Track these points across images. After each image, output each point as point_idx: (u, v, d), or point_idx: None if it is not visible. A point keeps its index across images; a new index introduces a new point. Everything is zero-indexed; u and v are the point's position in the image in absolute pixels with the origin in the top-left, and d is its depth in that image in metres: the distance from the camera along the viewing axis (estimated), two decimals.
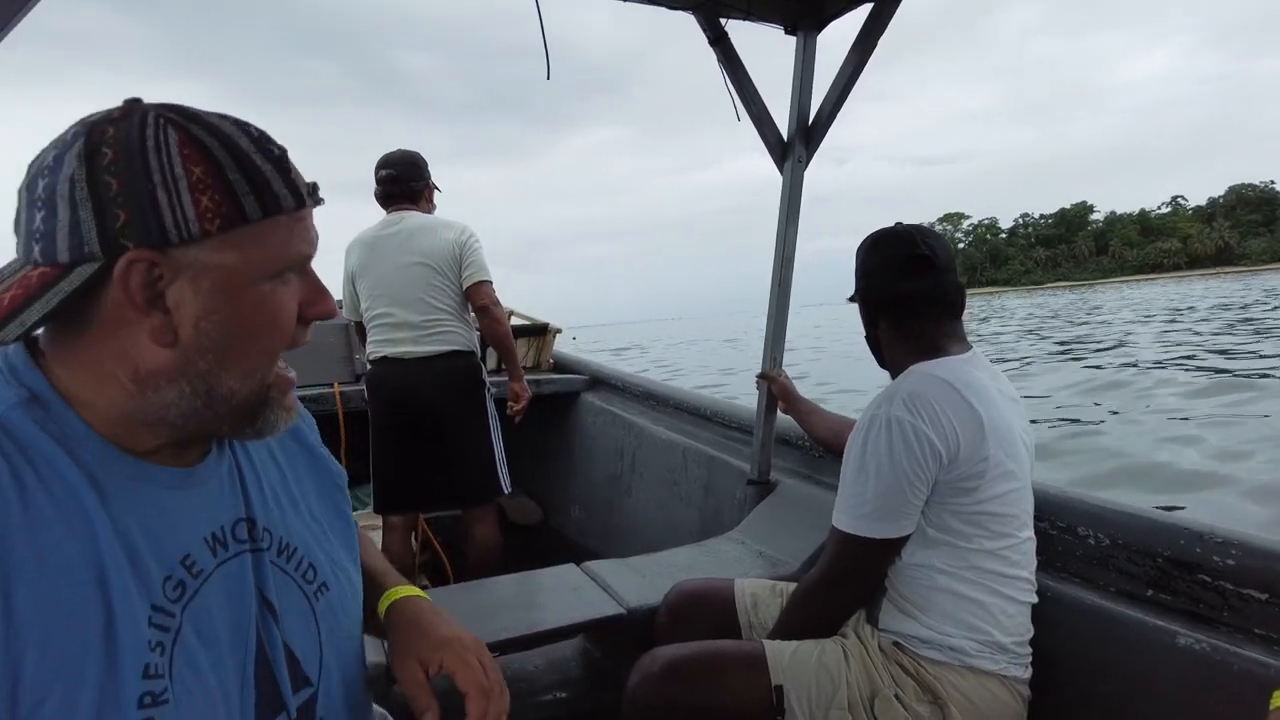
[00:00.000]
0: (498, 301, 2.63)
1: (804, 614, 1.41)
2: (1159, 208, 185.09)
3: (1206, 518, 1.64)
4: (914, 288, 1.41)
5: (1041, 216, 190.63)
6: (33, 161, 0.61)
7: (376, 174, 2.65)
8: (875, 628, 1.37)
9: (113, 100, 0.63)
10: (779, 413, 2.34)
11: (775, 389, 2.28)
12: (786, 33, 2.26)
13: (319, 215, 0.68)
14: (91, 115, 0.61)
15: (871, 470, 1.29)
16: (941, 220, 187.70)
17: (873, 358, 1.55)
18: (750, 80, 2.27)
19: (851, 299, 1.53)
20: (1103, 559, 1.45)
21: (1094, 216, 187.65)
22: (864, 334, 1.54)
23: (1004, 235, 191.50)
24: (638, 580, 1.88)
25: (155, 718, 0.58)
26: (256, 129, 0.64)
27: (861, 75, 2.15)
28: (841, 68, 2.17)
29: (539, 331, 4.23)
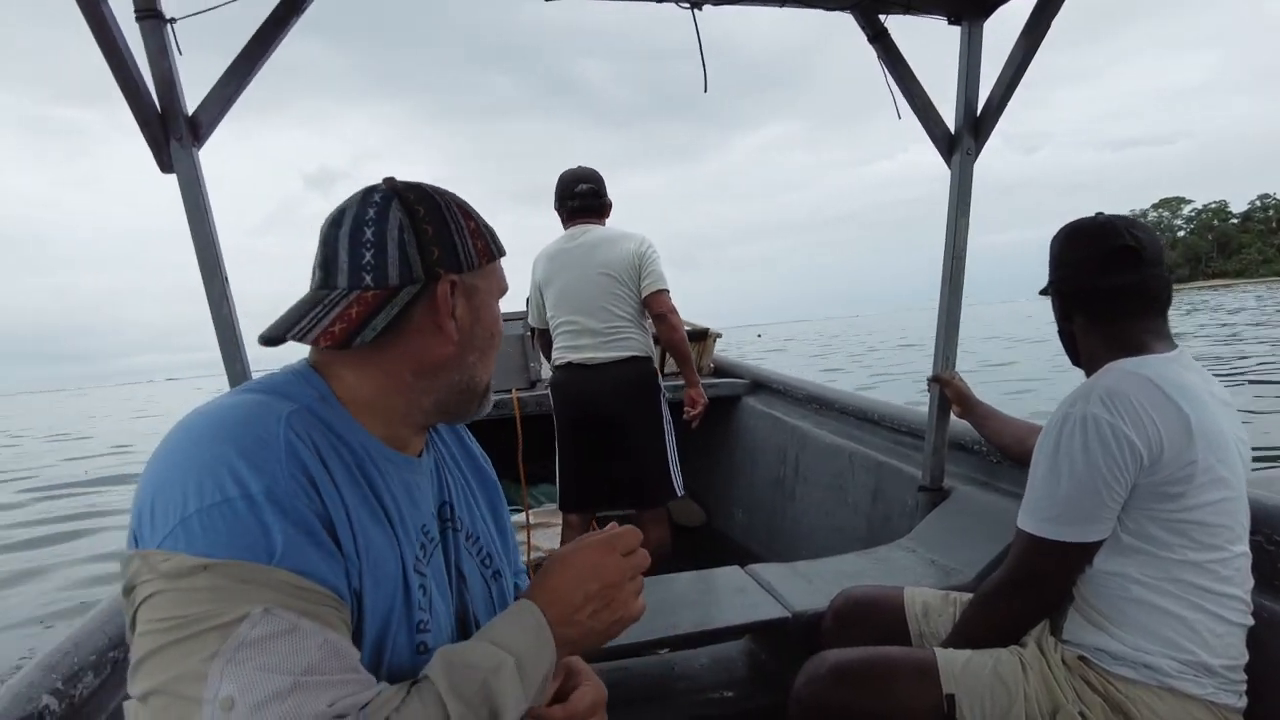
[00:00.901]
0: (675, 309, 2.72)
1: (984, 618, 1.36)
2: None
3: None
4: (1118, 282, 1.32)
5: None
6: (338, 217, 0.79)
7: (571, 188, 2.80)
8: (1059, 639, 1.30)
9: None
10: (952, 417, 2.26)
11: (949, 392, 2.19)
12: (950, 23, 2.19)
13: (500, 226, 0.90)
14: (376, 185, 0.82)
15: (1064, 470, 1.22)
16: (1156, 207, 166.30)
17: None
18: (913, 75, 2.21)
19: (1044, 292, 1.46)
20: None
21: None
22: (1058, 329, 1.46)
23: (1236, 220, 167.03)
24: (804, 585, 1.88)
25: (425, 642, 0.76)
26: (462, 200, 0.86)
27: (1036, 59, 2.04)
28: (1010, 55, 2.07)
29: (699, 336, 4.29)
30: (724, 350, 4.51)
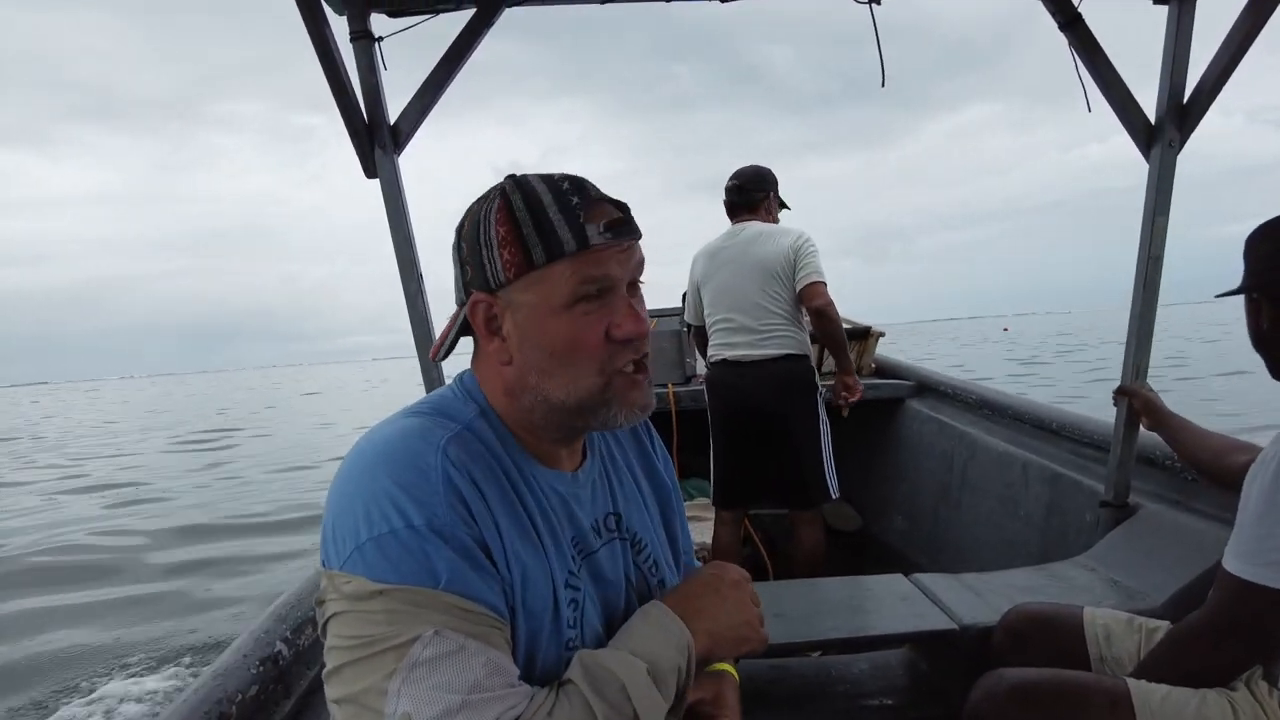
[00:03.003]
0: (831, 301, 2.68)
1: (1181, 660, 1.25)
2: None
3: None
4: None
5: None
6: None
7: (725, 188, 2.86)
8: (1275, 686, 1.18)
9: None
10: (1142, 429, 2.09)
11: (1137, 404, 2.03)
12: (1155, 2, 2.02)
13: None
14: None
15: None
16: None
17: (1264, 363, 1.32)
18: (1109, 63, 2.05)
19: (1233, 293, 1.31)
20: None
21: None
22: (1256, 338, 1.32)
23: None
24: (971, 597, 1.81)
25: (570, 659, 0.76)
26: (570, 181, 0.78)
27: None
28: (1230, 34, 1.88)
29: (861, 335, 4.18)
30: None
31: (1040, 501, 2.57)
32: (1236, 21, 1.86)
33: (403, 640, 0.66)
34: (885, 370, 4.12)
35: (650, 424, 1.05)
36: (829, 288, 2.66)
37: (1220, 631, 1.20)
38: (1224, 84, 1.94)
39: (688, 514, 3.35)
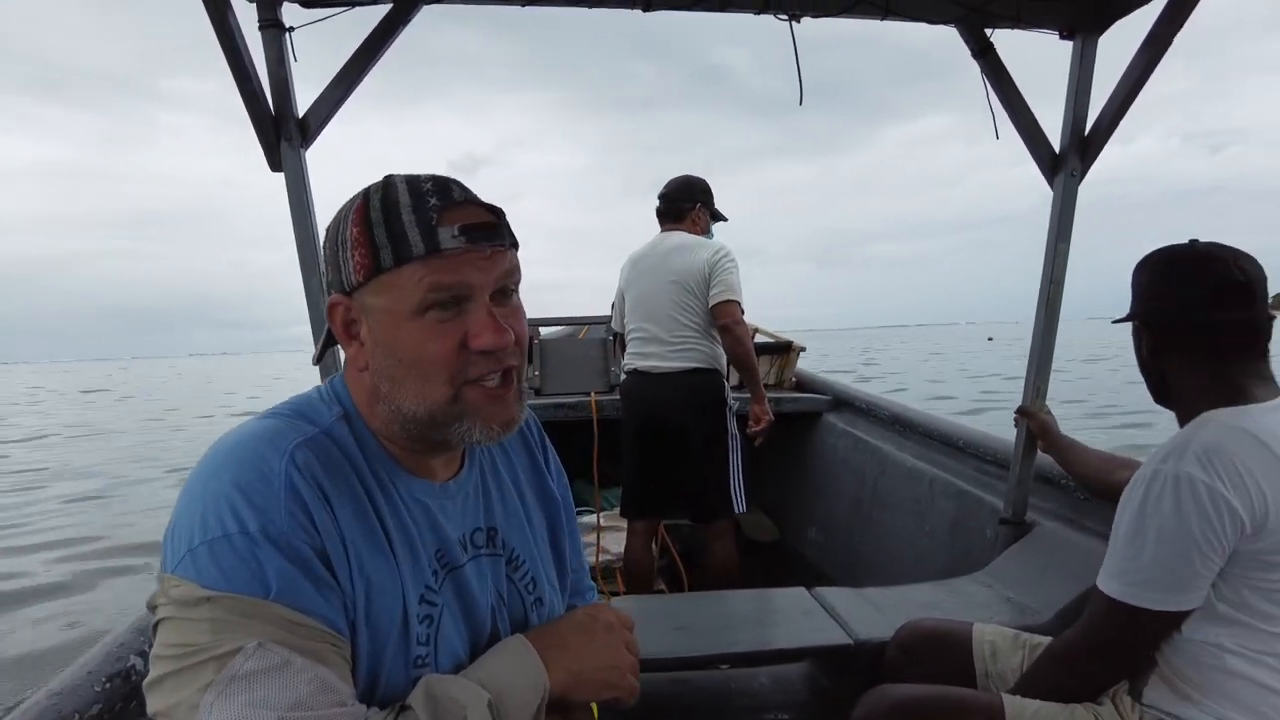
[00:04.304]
0: (741, 321, 2.68)
1: (1054, 677, 1.28)
2: None
3: None
4: (1224, 320, 1.22)
5: None
6: None
7: (657, 196, 2.86)
8: (1138, 701, 1.22)
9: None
10: (1040, 451, 2.16)
11: (1033, 425, 2.10)
12: (1062, 37, 2.10)
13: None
14: None
15: (1151, 533, 1.13)
16: None
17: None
18: (1019, 92, 2.12)
19: (1123, 320, 1.35)
20: None
21: None
22: (1139, 363, 1.36)
23: None
24: (870, 612, 1.83)
25: (421, 677, 0.72)
26: (435, 182, 0.74)
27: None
28: (1128, 70, 1.96)
29: (782, 349, 4.23)
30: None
31: (945, 517, 2.63)
32: (1133, 60, 1.94)
33: (224, 651, 0.62)
34: (805, 384, 4.17)
35: (545, 436, 1.02)
36: (742, 307, 2.67)
37: (1091, 649, 1.23)
38: (1122, 117, 2.02)
39: (606, 523, 3.29)
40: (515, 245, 0.77)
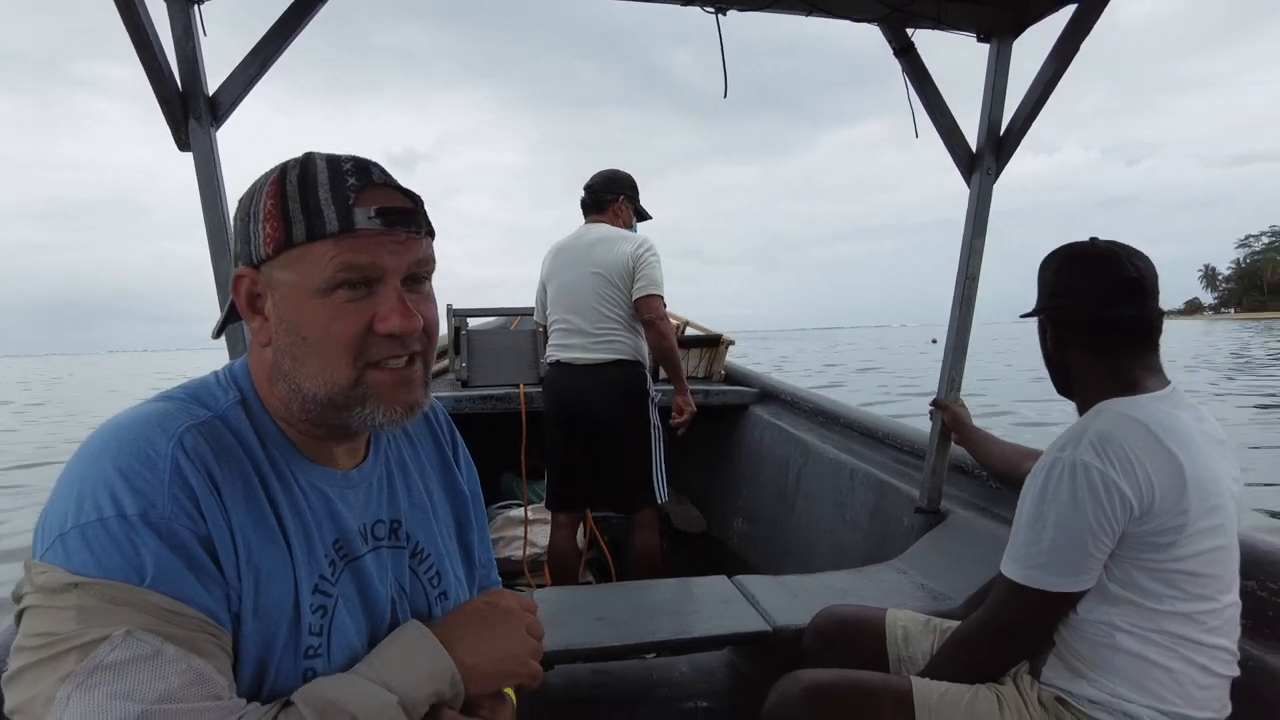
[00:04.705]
0: (664, 316, 2.70)
1: (961, 660, 1.33)
2: None
3: None
4: (1120, 315, 1.28)
5: None
6: None
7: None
8: (1036, 680, 1.27)
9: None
10: (954, 443, 2.23)
11: (947, 417, 2.17)
12: (979, 40, 2.16)
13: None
14: None
15: (1050, 518, 1.19)
16: None
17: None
18: (938, 91, 2.18)
19: (1029, 315, 1.41)
20: None
21: None
22: (1044, 356, 1.42)
23: None
24: (788, 599, 1.86)
25: (313, 668, 0.70)
26: (355, 163, 0.73)
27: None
28: (1039, 74, 2.04)
29: (712, 343, 4.27)
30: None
31: (865, 506, 2.69)
32: (1043, 65, 2.02)
33: (88, 640, 0.58)
34: (733, 377, 4.22)
35: (455, 431, 1.00)
36: (665, 301, 2.68)
37: (994, 631, 1.28)
38: (1034, 119, 2.09)
39: (533, 517, 3.25)
40: (431, 234, 0.76)
